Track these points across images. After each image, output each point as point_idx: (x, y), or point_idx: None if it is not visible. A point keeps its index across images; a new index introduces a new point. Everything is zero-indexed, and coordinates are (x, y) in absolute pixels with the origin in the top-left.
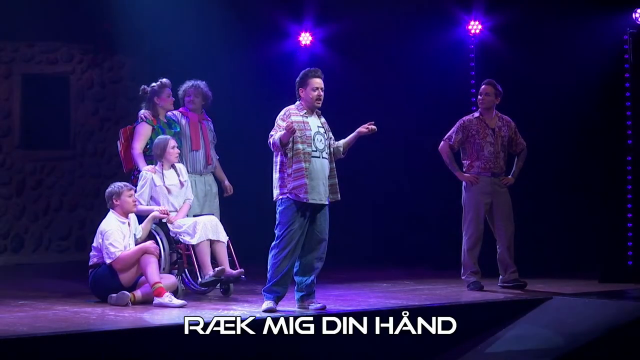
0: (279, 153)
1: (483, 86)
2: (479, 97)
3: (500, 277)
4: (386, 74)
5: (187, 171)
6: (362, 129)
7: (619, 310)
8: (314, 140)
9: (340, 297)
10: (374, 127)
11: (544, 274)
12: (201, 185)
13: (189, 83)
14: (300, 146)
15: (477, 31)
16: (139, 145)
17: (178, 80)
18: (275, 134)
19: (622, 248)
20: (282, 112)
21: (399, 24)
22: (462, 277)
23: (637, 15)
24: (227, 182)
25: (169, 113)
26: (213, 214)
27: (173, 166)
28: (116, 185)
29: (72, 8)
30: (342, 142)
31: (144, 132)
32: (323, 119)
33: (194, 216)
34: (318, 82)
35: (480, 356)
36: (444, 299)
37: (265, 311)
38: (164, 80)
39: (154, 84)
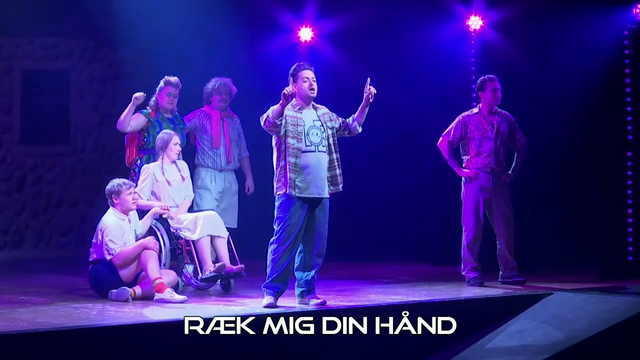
0: (277, 146)
1: (495, 83)
2: (495, 93)
3: (501, 272)
4: (386, 70)
5: (208, 166)
6: (365, 94)
7: (619, 305)
8: (307, 135)
9: (340, 292)
10: (370, 88)
11: (544, 270)
12: (220, 181)
13: (217, 82)
14: (290, 141)
15: (478, 27)
16: (125, 123)
17: (177, 76)
18: (266, 113)
19: (622, 243)
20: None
21: (397, 20)
22: (462, 273)
23: (638, 11)
24: (248, 181)
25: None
26: (228, 210)
27: (174, 162)
28: (115, 184)
29: (72, 4)
30: (353, 117)
31: (136, 118)
32: (323, 110)
33: (198, 211)
34: (308, 73)
35: (480, 351)
36: (444, 295)
37: (265, 307)
38: (168, 78)
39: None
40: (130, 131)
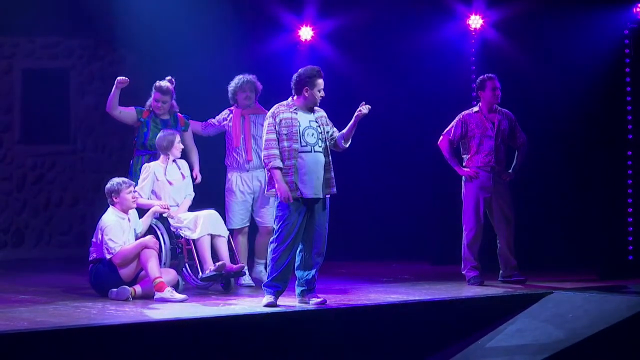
0: None
1: (494, 81)
2: (494, 92)
3: (501, 271)
4: (387, 69)
5: (233, 167)
6: (358, 112)
7: (619, 305)
8: (303, 135)
9: (340, 291)
10: (366, 106)
11: (544, 269)
12: (249, 181)
13: (240, 79)
14: (285, 144)
15: (478, 26)
16: (111, 105)
17: (177, 75)
18: (275, 161)
19: (622, 243)
20: (271, 110)
21: (398, 19)
22: (463, 272)
23: (638, 10)
24: None
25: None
26: (264, 209)
27: (174, 161)
28: (115, 183)
29: (72, 3)
30: (342, 132)
31: (127, 110)
32: (320, 113)
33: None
34: (322, 83)
35: (480, 350)
36: (444, 294)
37: (265, 306)
38: (159, 84)
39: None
40: (120, 118)
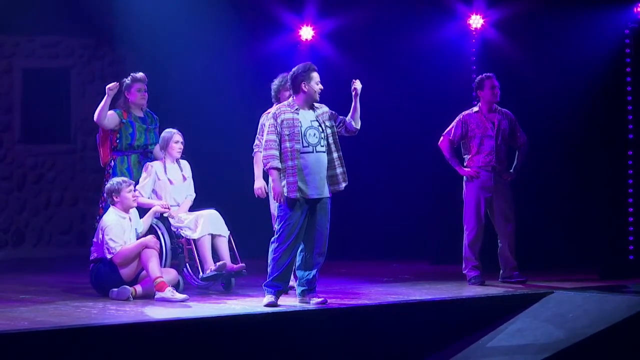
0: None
1: (492, 80)
2: (493, 90)
3: (501, 272)
4: (387, 69)
5: None
6: (353, 92)
7: (619, 304)
8: (305, 135)
9: (341, 291)
10: (357, 81)
11: (544, 269)
12: None
13: (284, 77)
14: (287, 144)
15: (479, 26)
16: (102, 116)
17: (178, 74)
18: (273, 161)
19: (623, 242)
20: (273, 110)
21: (399, 19)
22: (464, 272)
23: (638, 9)
24: None
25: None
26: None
27: (177, 161)
28: (115, 182)
29: (72, 3)
30: (349, 116)
31: (112, 116)
32: (323, 110)
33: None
34: (318, 75)
35: (481, 350)
36: (444, 294)
37: (266, 306)
38: (137, 74)
39: (126, 79)
40: (106, 125)
